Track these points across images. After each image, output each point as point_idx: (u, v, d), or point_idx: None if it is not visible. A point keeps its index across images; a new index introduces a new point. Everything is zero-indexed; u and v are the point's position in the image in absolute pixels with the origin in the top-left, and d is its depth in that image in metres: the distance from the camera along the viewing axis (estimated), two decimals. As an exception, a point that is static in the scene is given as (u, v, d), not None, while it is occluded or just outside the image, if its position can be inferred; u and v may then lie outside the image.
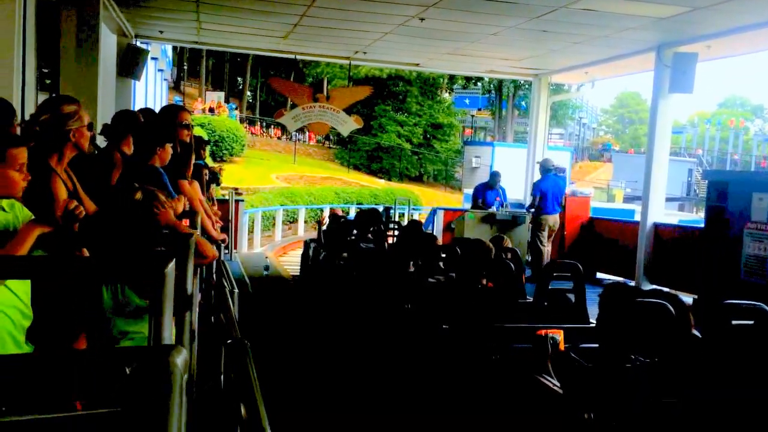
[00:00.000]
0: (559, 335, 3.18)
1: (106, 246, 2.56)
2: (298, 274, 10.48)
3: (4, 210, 2.34)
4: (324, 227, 9.49)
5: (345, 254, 7.19)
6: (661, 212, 9.59)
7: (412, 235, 6.10)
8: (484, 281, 4.35)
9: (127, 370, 0.77)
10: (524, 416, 2.97)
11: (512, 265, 4.37)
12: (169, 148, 3.93)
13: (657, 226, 9.32)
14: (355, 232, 8.03)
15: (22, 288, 2.31)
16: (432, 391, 4.03)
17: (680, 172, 34.45)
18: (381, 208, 13.32)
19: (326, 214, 15.59)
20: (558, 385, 2.88)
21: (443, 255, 5.36)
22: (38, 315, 2.40)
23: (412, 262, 5.51)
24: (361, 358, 5.29)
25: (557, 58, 10.52)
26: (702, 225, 8.49)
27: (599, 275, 10.52)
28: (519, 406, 3.04)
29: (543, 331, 3.22)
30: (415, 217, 19.20)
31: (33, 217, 2.45)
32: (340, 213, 11.50)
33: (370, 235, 7.72)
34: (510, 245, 5.29)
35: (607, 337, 2.62)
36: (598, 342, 2.82)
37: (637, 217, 10.85)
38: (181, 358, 0.78)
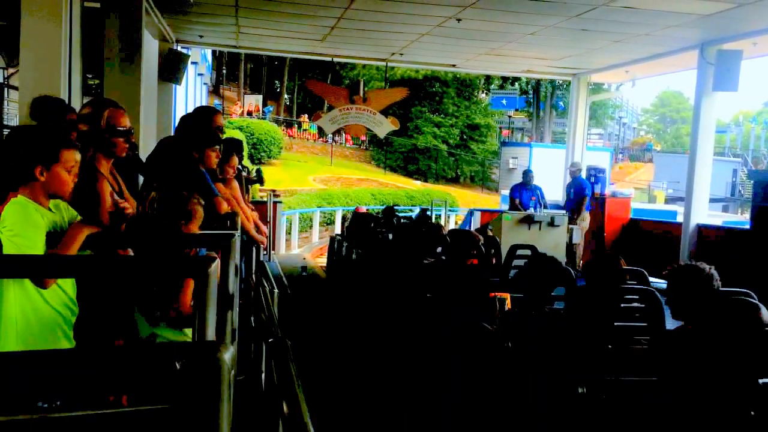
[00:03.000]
0: (506, 297, 4.32)
1: (151, 246, 2.61)
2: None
3: (51, 210, 2.41)
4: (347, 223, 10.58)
5: (362, 245, 8.22)
6: (705, 213, 9.37)
7: (419, 226, 7.08)
8: (470, 261, 5.42)
9: (177, 365, 0.79)
10: (469, 351, 4.06)
11: (483, 249, 5.57)
12: (209, 152, 3.99)
13: (701, 227, 9.11)
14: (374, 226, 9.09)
15: (70, 284, 2.38)
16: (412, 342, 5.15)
17: (724, 173, 33.62)
18: (418, 210, 13.34)
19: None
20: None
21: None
22: (83, 311, 2.47)
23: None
24: (370, 327, 6.37)
25: (597, 57, 10.37)
26: (747, 226, 8.28)
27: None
28: (467, 345, 4.13)
29: (493, 294, 4.37)
30: (452, 218, 19.12)
31: (79, 217, 2.51)
32: (363, 211, 12.30)
33: (384, 228, 8.78)
34: (491, 233, 6.82)
35: (525, 291, 3.88)
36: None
37: (680, 219, 10.64)
38: (229, 354, 0.80)
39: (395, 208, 10.20)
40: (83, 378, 0.86)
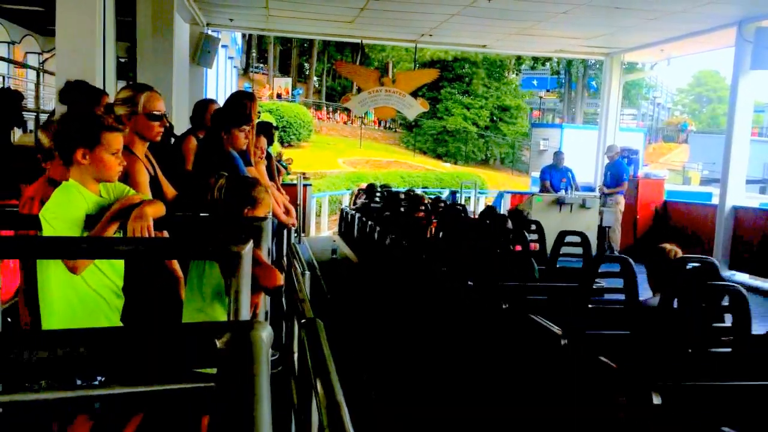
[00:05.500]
0: (433, 225, 6.67)
1: (185, 228, 2.66)
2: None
3: (101, 195, 2.45)
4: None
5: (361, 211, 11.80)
6: (742, 195, 9.18)
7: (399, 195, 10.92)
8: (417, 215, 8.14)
9: (218, 343, 0.81)
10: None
11: (428, 205, 8.45)
12: (236, 133, 4.00)
13: (737, 210, 8.94)
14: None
15: (111, 269, 2.42)
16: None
17: (762, 153, 32.78)
18: (447, 192, 13.39)
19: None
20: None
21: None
22: (130, 300, 2.52)
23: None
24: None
25: (631, 35, 10.17)
26: (786, 208, 8.08)
27: (673, 260, 10.17)
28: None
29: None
30: (481, 200, 19.03)
31: (131, 191, 2.54)
32: (364, 187, 14.59)
33: (377, 198, 12.25)
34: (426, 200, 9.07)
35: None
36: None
37: (715, 201, 10.44)
38: (266, 333, 0.82)
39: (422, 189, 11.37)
40: (125, 356, 0.89)
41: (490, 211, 6.68)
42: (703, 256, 3.57)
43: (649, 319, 3.22)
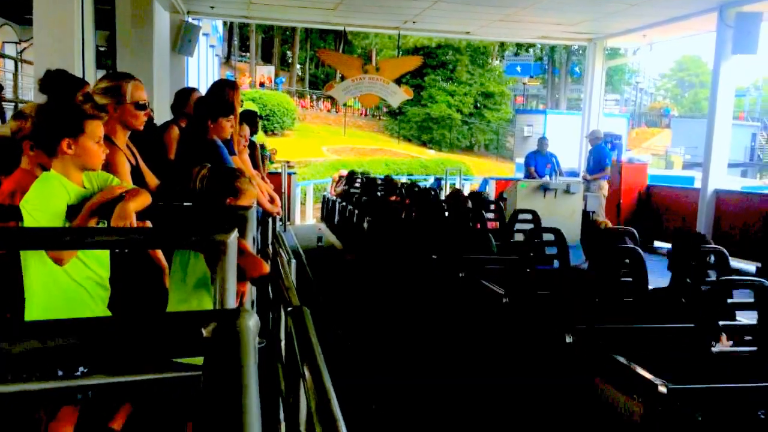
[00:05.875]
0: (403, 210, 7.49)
1: (169, 218, 2.63)
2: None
3: (84, 186, 2.41)
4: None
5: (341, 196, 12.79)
6: (723, 178, 9.27)
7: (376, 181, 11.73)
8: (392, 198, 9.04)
9: (204, 332, 0.81)
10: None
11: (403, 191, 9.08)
12: (223, 122, 3.97)
13: (718, 193, 9.03)
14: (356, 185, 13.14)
15: (95, 260, 2.39)
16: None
17: (743, 137, 33.10)
18: (432, 179, 13.40)
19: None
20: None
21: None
22: (115, 291, 2.50)
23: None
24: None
25: (613, 21, 10.20)
26: (766, 191, 8.18)
27: (657, 244, 10.29)
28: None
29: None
30: (466, 187, 19.08)
31: (115, 180, 2.51)
32: (344, 174, 14.89)
33: (356, 184, 12.78)
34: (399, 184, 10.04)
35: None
36: None
37: (697, 184, 10.53)
38: (253, 321, 0.82)
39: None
40: (110, 346, 0.88)
41: (455, 193, 7.23)
42: (626, 227, 4.15)
43: (571, 278, 3.94)
